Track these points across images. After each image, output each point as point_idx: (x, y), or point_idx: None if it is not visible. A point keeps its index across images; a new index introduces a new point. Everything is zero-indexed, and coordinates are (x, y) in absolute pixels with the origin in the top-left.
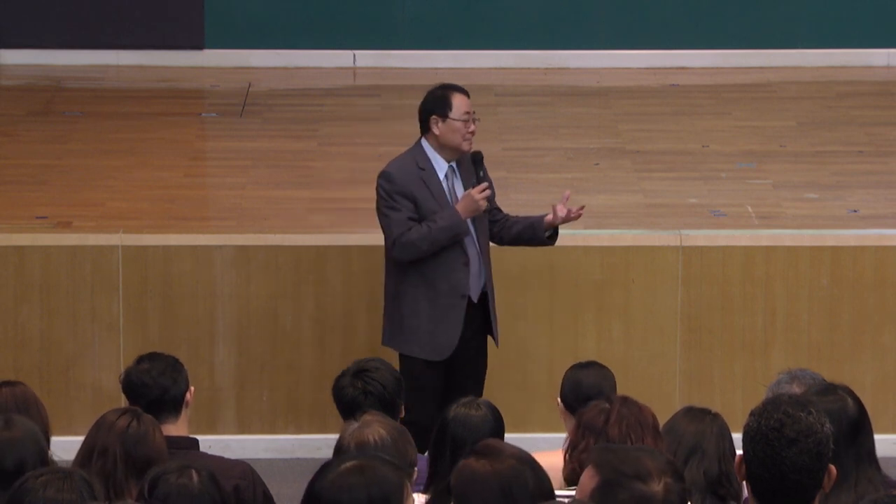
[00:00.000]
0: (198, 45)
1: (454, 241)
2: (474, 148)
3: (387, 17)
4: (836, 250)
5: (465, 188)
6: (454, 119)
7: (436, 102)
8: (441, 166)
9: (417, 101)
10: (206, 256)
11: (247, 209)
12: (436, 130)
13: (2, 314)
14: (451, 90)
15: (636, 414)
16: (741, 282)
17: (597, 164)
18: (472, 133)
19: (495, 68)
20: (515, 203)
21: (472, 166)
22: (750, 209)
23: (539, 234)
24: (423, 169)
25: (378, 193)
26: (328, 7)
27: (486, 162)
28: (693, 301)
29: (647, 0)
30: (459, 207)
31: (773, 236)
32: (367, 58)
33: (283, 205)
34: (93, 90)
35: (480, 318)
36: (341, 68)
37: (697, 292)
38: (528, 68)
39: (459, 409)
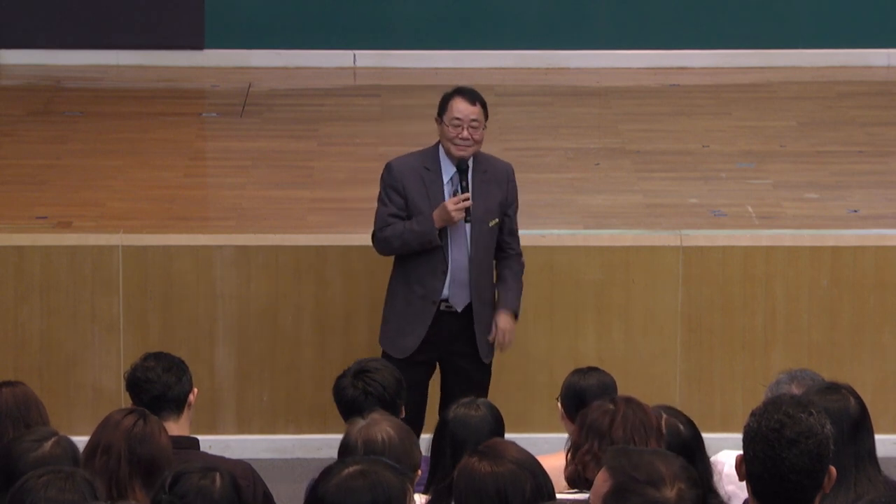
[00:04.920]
0: (198, 45)
1: (424, 247)
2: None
3: (387, 17)
4: (836, 250)
5: (479, 198)
6: (445, 123)
7: (440, 104)
8: (448, 169)
9: (417, 101)
10: (206, 256)
11: (247, 209)
12: (439, 132)
13: (2, 314)
14: (454, 93)
15: (640, 416)
16: (741, 282)
17: (597, 164)
18: (465, 139)
19: (495, 68)
20: None
21: (498, 180)
22: (750, 209)
23: (478, 329)
24: (427, 168)
25: (379, 182)
26: (328, 7)
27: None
28: (693, 301)
29: (647, 0)
30: (434, 215)
31: (773, 236)
32: (367, 58)
33: (283, 205)
34: (93, 90)
35: (469, 330)
36: (341, 68)
37: (697, 292)
38: (529, 68)
39: (459, 410)
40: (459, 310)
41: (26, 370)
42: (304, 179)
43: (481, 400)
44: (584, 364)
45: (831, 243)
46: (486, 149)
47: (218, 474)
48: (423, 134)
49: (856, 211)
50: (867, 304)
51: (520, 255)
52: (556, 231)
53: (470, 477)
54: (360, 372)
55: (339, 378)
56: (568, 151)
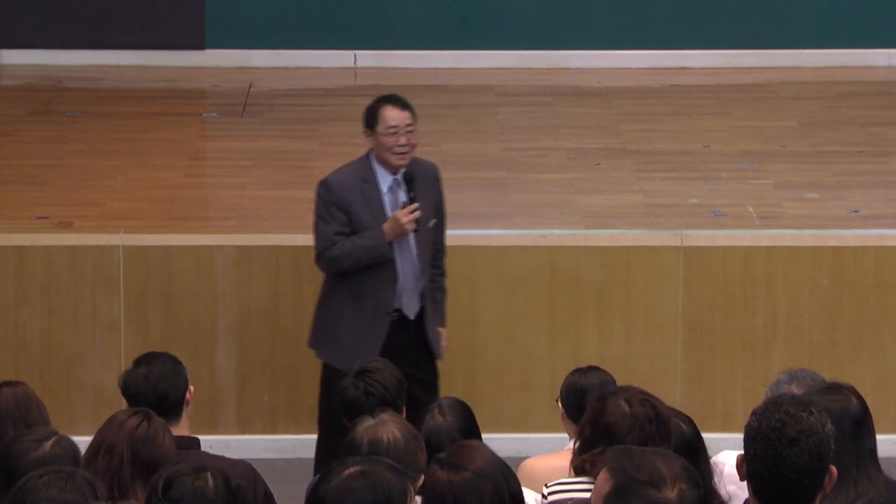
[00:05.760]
0: (198, 45)
1: (376, 262)
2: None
3: (387, 17)
4: (836, 250)
5: (421, 202)
6: (380, 133)
7: (368, 115)
8: (385, 179)
9: (417, 101)
10: (206, 256)
11: (247, 209)
12: (370, 144)
13: (2, 314)
14: (382, 103)
15: (653, 418)
16: (742, 282)
17: (598, 164)
18: (404, 146)
19: (495, 68)
20: (516, 203)
21: (429, 181)
22: (751, 209)
23: (430, 330)
24: (365, 181)
25: (315, 200)
26: (328, 7)
27: (486, 162)
28: (694, 301)
29: (647, 0)
30: (386, 228)
31: (773, 236)
32: (367, 58)
33: (284, 205)
34: (93, 90)
35: (420, 334)
36: (341, 68)
37: (698, 292)
38: (529, 68)
39: (428, 424)
40: (412, 317)
41: (27, 370)
42: (304, 179)
43: (444, 403)
44: (584, 364)
45: (832, 243)
46: (486, 148)
47: (209, 474)
48: (423, 134)
49: (856, 211)
50: (867, 304)
51: (445, 273)
52: (556, 231)
53: (431, 486)
54: (361, 372)
55: (341, 378)
56: (568, 151)
